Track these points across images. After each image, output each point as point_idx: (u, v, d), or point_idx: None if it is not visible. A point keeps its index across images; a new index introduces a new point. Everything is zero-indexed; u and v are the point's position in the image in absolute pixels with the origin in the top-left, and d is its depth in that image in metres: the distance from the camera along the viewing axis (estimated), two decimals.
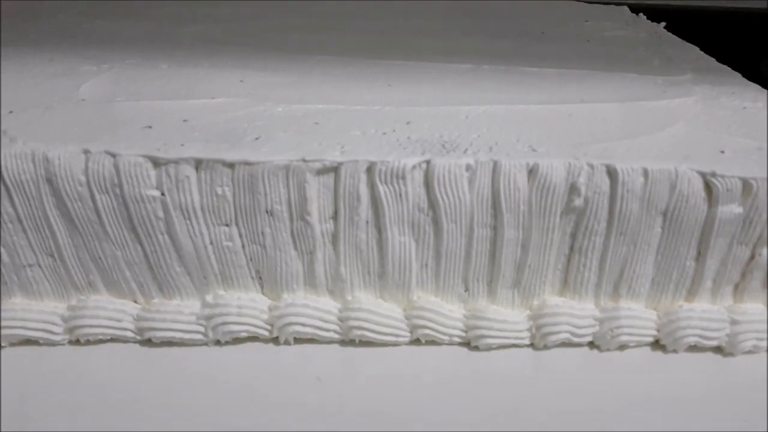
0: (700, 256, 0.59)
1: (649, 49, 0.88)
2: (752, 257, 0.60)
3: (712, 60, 0.86)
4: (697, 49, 0.90)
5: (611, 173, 0.55)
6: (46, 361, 0.59)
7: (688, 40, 0.93)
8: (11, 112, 0.59)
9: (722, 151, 0.59)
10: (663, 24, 1.00)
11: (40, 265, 0.58)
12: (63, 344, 0.60)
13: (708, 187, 0.56)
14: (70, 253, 0.57)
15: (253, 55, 0.76)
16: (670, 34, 0.97)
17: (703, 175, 0.56)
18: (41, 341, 0.60)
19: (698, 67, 0.81)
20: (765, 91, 0.74)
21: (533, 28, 0.96)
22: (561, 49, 0.85)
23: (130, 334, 0.60)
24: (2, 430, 0.52)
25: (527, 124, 0.62)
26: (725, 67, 0.83)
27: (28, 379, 0.57)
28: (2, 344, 0.59)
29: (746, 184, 0.55)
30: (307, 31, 0.88)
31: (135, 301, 0.61)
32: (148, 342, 0.60)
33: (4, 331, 0.59)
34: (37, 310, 0.59)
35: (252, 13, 0.96)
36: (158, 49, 0.76)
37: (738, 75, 0.80)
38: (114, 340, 0.60)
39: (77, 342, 0.60)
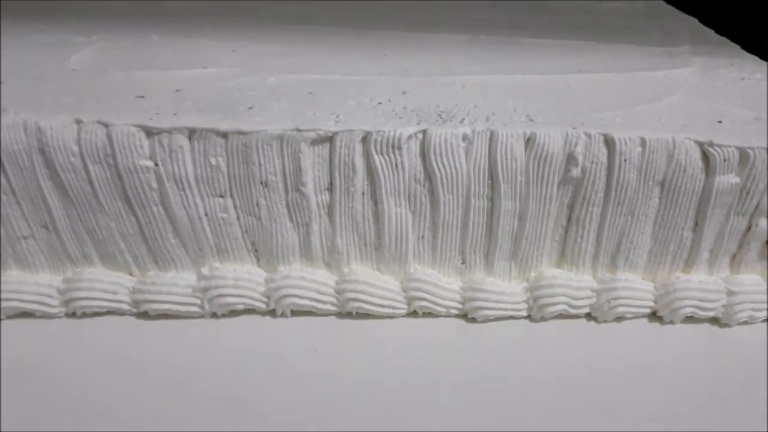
0: (698, 226, 0.59)
1: (647, 21, 0.88)
2: (749, 228, 0.60)
3: (711, 32, 0.85)
4: (695, 20, 0.90)
5: (609, 143, 0.55)
6: (42, 333, 0.59)
7: (689, 12, 0.92)
8: (2, 83, 0.58)
9: (720, 121, 0.58)
10: None
11: (34, 237, 0.58)
12: (59, 317, 0.60)
13: (705, 157, 0.56)
14: (65, 225, 0.57)
15: (245, 25, 0.75)
16: (669, 6, 0.96)
17: (700, 144, 0.55)
18: (38, 314, 0.59)
19: (697, 38, 0.81)
20: (764, 62, 0.74)
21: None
22: (559, 20, 0.84)
23: (126, 306, 0.60)
24: (1, 401, 0.52)
25: (524, 94, 0.61)
26: (724, 39, 0.82)
27: (25, 351, 0.57)
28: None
29: (743, 154, 0.55)
30: (301, 2, 0.86)
31: (130, 274, 0.60)
32: (144, 315, 0.60)
33: (1, 304, 0.58)
34: (33, 282, 0.59)
35: None
36: (149, 20, 0.75)
37: (737, 47, 0.80)
38: (110, 312, 0.60)
39: (73, 315, 0.60)
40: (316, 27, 0.76)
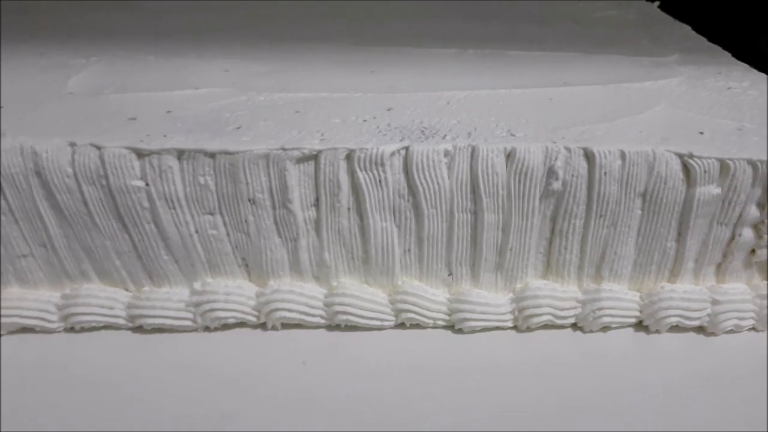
0: (681, 236, 0.60)
1: (638, 30, 0.88)
2: (733, 237, 0.60)
3: (703, 39, 0.85)
4: (688, 28, 0.90)
5: (588, 156, 0.56)
6: (42, 347, 0.61)
7: (687, 18, 0.92)
8: (1, 107, 0.60)
9: (701, 132, 0.59)
10: (657, 3, 1.00)
11: (33, 256, 0.60)
12: (59, 331, 0.62)
13: (686, 168, 0.56)
14: (62, 244, 0.59)
15: (238, 44, 0.77)
16: (662, 13, 0.97)
17: (680, 156, 0.56)
18: (38, 329, 0.61)
19: (687, 47, 0.81)
20: (752, 70, 0.74)
21: (523, 8, 0.96)
22: (549, 31, 0.85)
23: (122, 321, 0.61)
24: (2, 414, 0.54)
25: (507, 109, 0.62)
26: (715, 46, 0.83)
27: (25, 365, 0.59)
28: (1, 332, 0.61)
29: (724, 165, 0.56)
30: (293, 17, 0.89)
31: (126, 289, 0.62)
32: (139, 329, 0.62)
33: (2, 320, 0.60)
34: (33, 299, 0.61)
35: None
36: (147, 40, 0.77)
37: (728, 54, 0.80)
38: (107, 327, 0.62)
39: (72, 329, 0.62)
40: (307, 44, 0.77)
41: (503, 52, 0.77)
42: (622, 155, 0.56)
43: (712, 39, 0.86)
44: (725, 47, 0.82)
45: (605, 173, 0.56)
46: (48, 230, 0.58)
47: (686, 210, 0.58)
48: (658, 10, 0.97)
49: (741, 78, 0.72)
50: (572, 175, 0.56)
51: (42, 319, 0.61)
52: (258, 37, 0.79)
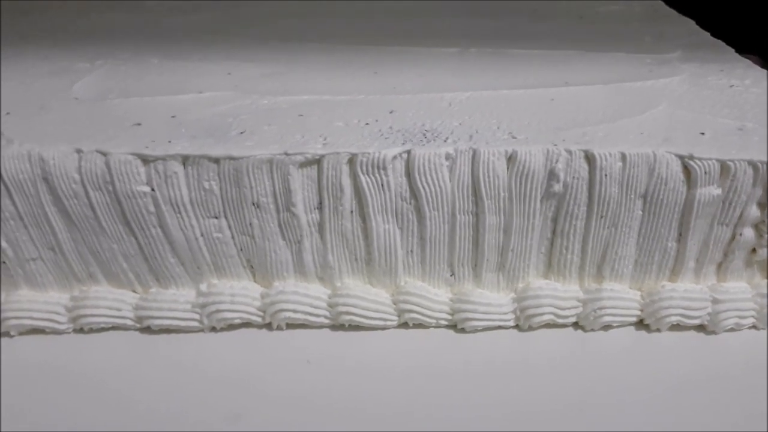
0: (682, 237, 0.60)
1: (642, 25, 0.88)
2: (733, 237, 0.61)
3: (706, 35, 0.85)
4: (692, 23, 0.89)
5: (589, 158, 0.56)
6: (52, 348, 0.62)
7: (689, 13, 0.92)
8: (8, 113, 0.61)
9: (702, 133, 0.59)
10: None
11: (42, 259, 0.61)
12: (68, 332, 0.63)
13: (687, 169, 0.56)
14: (70, 247, 0.60)
15: (240, 46, 0.77)
16: (667, 7, 0.96)
17: (681, 158, 0.56)
18: (47, 330, 0.63)
19: (690, 42, 0.81)
20: (754, 66, 0.74)
21: (526, 3, 0.95)
22: (552, 28, 0.85)
23: (129, 322, 0.63)
24: (12, 413, 0.55)
25: (509, 110, 0.62)
26: (719, 41, 0.82)
27: (35, 366, 0.60)
28: (11, 333, 0.62)
29: (724, 166, 0.56)
30: (295, 18, 0.89)
31: (134, 291, 0.63)
32: (147, 329, 0.63)
33: (13, 321, 0.62)
34: (42, 301, 0.62)
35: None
36: (150, 43, 0.77)
37: (731, 50, 0.80)
38: (115, 328, 0.63)
39: (81, 330, 0.63)
40: (309, 45, 0.78)
41: (505, 50, 0.77)
42: (623, 157, 0.56)
43: (716, 32, 0.85)
44: (730, 41, 0.82)
45: (606, 175, 0.56)
46: (56, 234, 0.59)
47: (687, 211, 0.58)
48: (663, 5, 0.97)
49: (743, 75, 0.71)
50: (573, 177, 0.57)
51: (51, 320, 0.62)
52: (259, 38, 0.80)
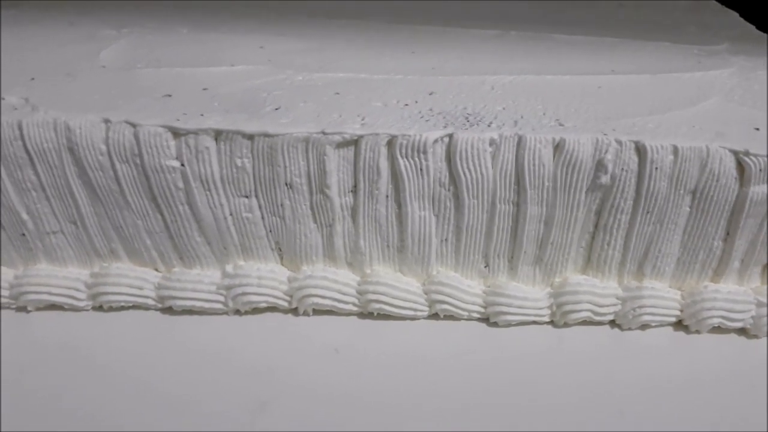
0: (729, 236, 0.58)
1: (685, 14, 0.85)
2: None
3: (751, 27, 0.82)
4: (736, 14, 0.87)
5: (640, 150, 0.54)
6: (70, 325, 0.60)
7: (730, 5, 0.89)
8: (33, 79, 0.58)
9: (757, 129, 0.56)
10: None
11: (63, 233, 0.59)
12: (87, 310, 0.61)
13: (740, 166, 0.54)
14: (93, 222, 0.58)
15: (273, 19, 0.74)
16: None
17: (735, 153, 0.54)
18: (66, 306, 0.61)
19: (736, 35, 0.78)
20: None
21: None
22: (593, 13, 0.82)
23: (151, 301, 0.61)
24: (27, 390, 0.53)
25: (555, 96, 0.60)
26: (764, 35, 0.79)
27: (53, 343, 0.58)
28: (28, 309, 0.60)
29: None
30: None
31: (156, 269, 0.61)
32: (168, 310, 0.61)
33: (31, 296, 0.60)
34: (62, 276, 0.60)
35: None
36: (177, 12, 0.75)
37: None
38: (135, 307, 0.61)
39: (100, 308, 0.61)
40: (344, 21, 0.75)
41: (546, 35, 0.74)
42: (675, 150, 0.53)
43: (759, 27, 0.82)
44: None
45: (656, 168, 0.54)
46: (79, 207, 0.57)
47: (737, 209, 0.56)
48: None
49: None
50: (622, 169, 0.54)
51: (70, 296, 0.60)
52: (292, 12, 0.77)
